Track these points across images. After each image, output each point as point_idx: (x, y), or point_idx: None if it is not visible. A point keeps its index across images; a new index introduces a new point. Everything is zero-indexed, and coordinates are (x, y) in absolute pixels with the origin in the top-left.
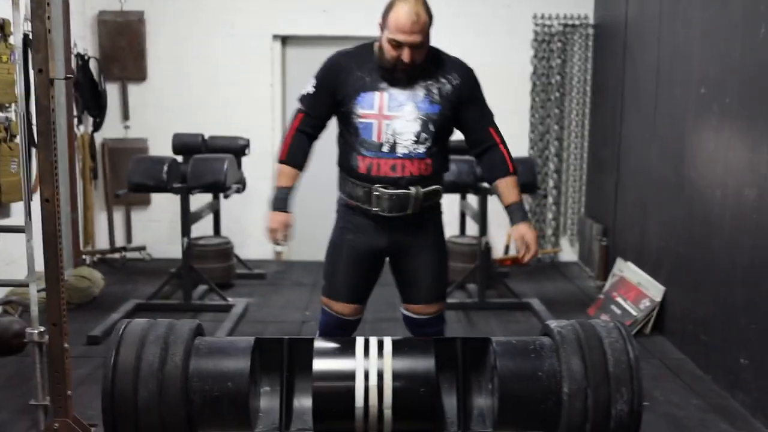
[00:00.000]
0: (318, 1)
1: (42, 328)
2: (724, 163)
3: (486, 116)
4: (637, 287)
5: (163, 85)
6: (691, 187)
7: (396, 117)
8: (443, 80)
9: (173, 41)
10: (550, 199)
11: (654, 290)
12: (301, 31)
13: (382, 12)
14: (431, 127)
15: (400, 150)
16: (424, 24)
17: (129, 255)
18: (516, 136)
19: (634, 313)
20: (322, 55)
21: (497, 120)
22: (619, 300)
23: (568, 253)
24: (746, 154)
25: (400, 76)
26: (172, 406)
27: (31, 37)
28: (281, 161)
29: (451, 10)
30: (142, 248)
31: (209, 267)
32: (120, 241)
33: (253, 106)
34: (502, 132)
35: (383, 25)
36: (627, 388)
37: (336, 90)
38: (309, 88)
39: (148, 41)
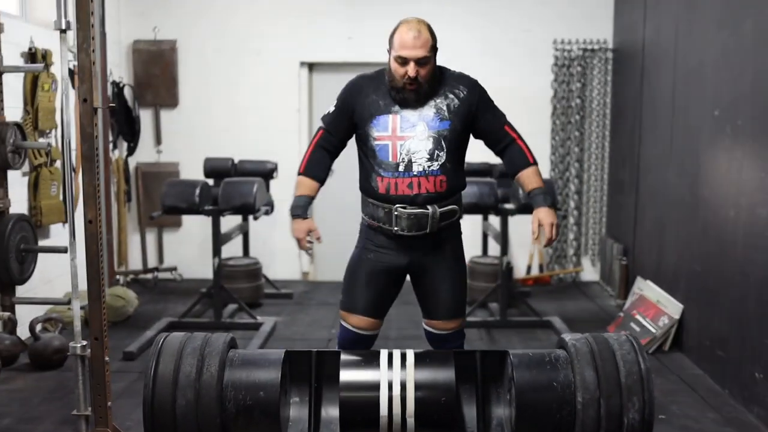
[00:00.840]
0: (343, 28)
1: (84, 342)
2: (737, 183)
3: (499, 117)
4: (656, 305)
5: (194, 110)
6: (706, 207)
7: (409, 137)
8: (451, 95)
9: (204, 69)
10: (572, 220)
11: (672, 308)
12: (328, 58)
13: (388, 38)
14: (444, 144)
15: (416, 168)
16: (426, 40)
17: (161, 275)
18: (537, 158)
19: (653, 331)
20: (347, 80)
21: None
22: (639, 318)
23: (589, 272)
24: (758, 174)
25: (409, 95)
26: (208, 413)
27: (71, 67)
28: (301, 173)
29: (473, 36)
30: (173, 269)
31: (238, 287)
32: (152, 261)
33: (280, 130)
34: (517, 129)
35: (390, 48)
36: (638, 398)
37: (354, 111)
38: (331, 107)
39: (180, 69)
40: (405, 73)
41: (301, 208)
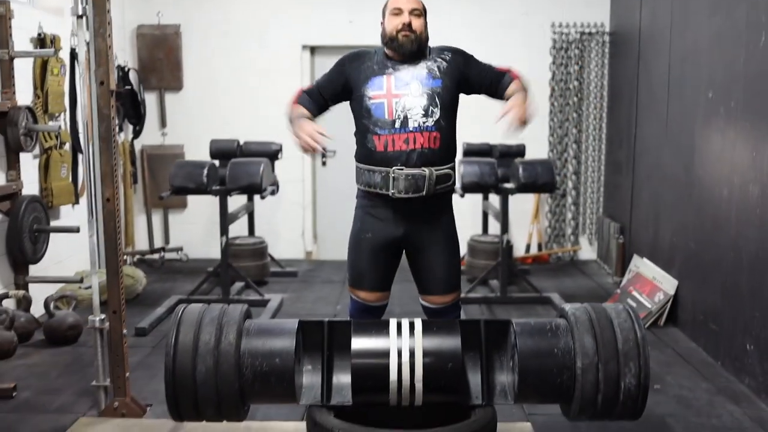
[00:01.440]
0: (344, 12)
1: (102, 316)
2: (730, 162)
3: (488, 67)
4: (652, 282)
5: (198, 94)
6: (701, 186)
7: (404, 95)
8: (439, 59)
9: (208, 52)
10: (570, 200)
11: (667, 284)
12: (329, 41)
13: (381, 10)
14: (437, 100)
15: (411, 124)
16: None
17: (167, 255)
18: (536, 139)
19: (649, 306)
20: None
21: None
22: (635, 294)
23: (587, 251)
24: (750, 154)
25: (404, 41)
26: (226, 379)
27: (77, 50)
28: (293, 103)
29: (472, 19)
30: (179, 249)
31: (245, 265)
32: (158, 242)
33: (283, 112)
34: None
35: (383, 14)
36: (634, 363)
37: (349, 76)
38: (328, 71)
39: (184, 53)
40: (400, 23)
41: (301, 114)
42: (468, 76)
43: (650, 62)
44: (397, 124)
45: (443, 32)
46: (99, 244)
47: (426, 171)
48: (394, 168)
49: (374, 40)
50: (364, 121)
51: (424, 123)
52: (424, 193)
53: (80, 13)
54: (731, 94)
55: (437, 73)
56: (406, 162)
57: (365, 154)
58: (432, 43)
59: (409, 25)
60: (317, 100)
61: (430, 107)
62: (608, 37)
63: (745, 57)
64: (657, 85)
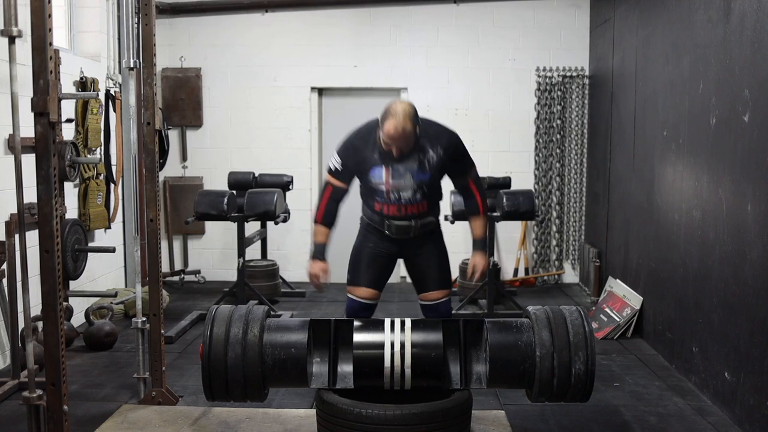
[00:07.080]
0: (350, 57)
1: (144, 318)
2: (679, 191)
3: (467, 170)
4: (622, 299)
5: (216, 130)
6: (658, 212)
7: (399, 183)
8: (431, 152)
9: (226, 93)
10: (554, 228)
11: (634, 300)
12: (336, 84)
13: (381, 113)
14: (425, 188)
15: (404, 200)
16: (407, 134)
17: (186, 278)
18: (523, 172)
19: (618, 320)
20: (353, 104)
21: (508, 158)
22: (607, 310)
23: (570, 275)
24: (693, 183)
25: (397, 156)
26: (251, 365)
27: (113, 93)
28: (317, 222)
29: (465, 64)
30: (197, 272)
31: (258, 284)
32: (178, 265)
33: (294, 148)
34: (480, 182)
35: (381, 124)
36: (583, 352)
37: (354, 164)
38: (335, 163)
39: (204, 93)
40: (391, 149)
41: (320, 253)
42: (450, 165)
43: (620, 103)
44: (393, 200)
45: (440, 75)
46: (127, 260)
47: (413, 222)
48: (387, 216)
49: (375, 83)
50: (369, 191)
51: (412, 199)
52: (411, 236)
53: (132, 66)
54: (679, 132)
55: (426, 167)
56: (400, 219)
57: (367, 203)
58: (429, 82)
59: (400, 153)
60: (339, 196)
61: (418, 192)
62: (587, 80)
63: (689, 101)
64: (626, 124)
